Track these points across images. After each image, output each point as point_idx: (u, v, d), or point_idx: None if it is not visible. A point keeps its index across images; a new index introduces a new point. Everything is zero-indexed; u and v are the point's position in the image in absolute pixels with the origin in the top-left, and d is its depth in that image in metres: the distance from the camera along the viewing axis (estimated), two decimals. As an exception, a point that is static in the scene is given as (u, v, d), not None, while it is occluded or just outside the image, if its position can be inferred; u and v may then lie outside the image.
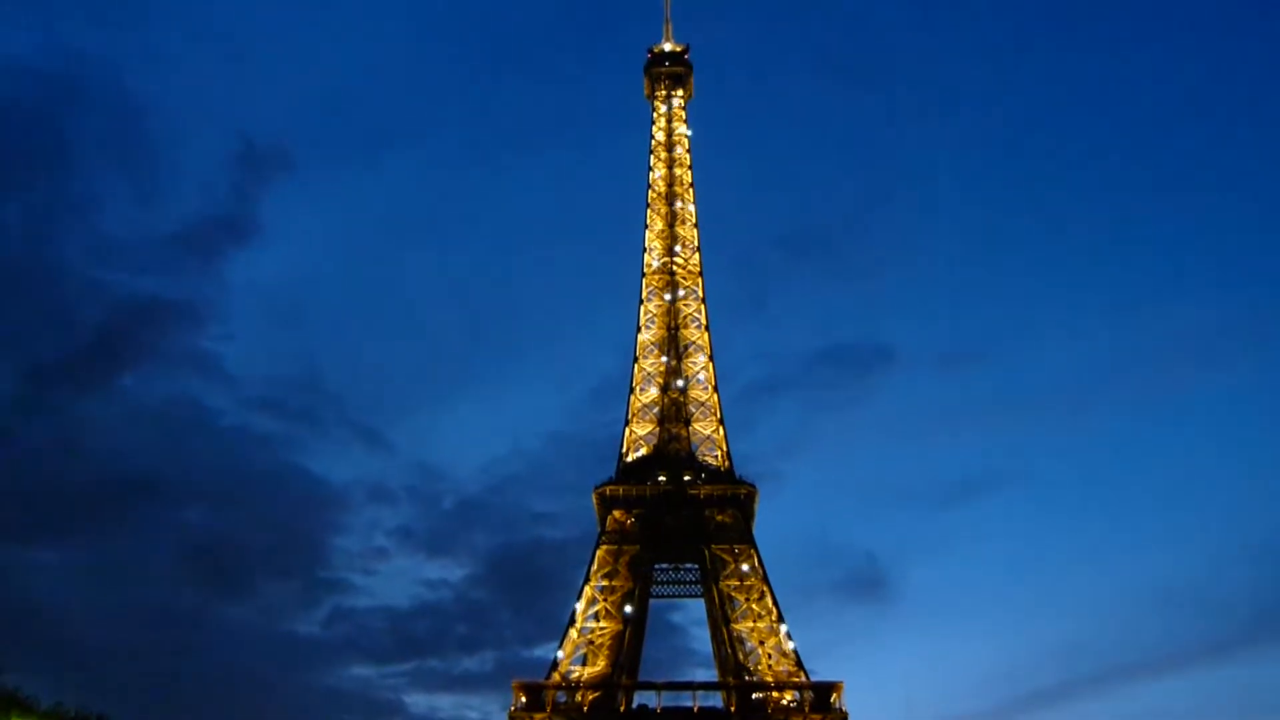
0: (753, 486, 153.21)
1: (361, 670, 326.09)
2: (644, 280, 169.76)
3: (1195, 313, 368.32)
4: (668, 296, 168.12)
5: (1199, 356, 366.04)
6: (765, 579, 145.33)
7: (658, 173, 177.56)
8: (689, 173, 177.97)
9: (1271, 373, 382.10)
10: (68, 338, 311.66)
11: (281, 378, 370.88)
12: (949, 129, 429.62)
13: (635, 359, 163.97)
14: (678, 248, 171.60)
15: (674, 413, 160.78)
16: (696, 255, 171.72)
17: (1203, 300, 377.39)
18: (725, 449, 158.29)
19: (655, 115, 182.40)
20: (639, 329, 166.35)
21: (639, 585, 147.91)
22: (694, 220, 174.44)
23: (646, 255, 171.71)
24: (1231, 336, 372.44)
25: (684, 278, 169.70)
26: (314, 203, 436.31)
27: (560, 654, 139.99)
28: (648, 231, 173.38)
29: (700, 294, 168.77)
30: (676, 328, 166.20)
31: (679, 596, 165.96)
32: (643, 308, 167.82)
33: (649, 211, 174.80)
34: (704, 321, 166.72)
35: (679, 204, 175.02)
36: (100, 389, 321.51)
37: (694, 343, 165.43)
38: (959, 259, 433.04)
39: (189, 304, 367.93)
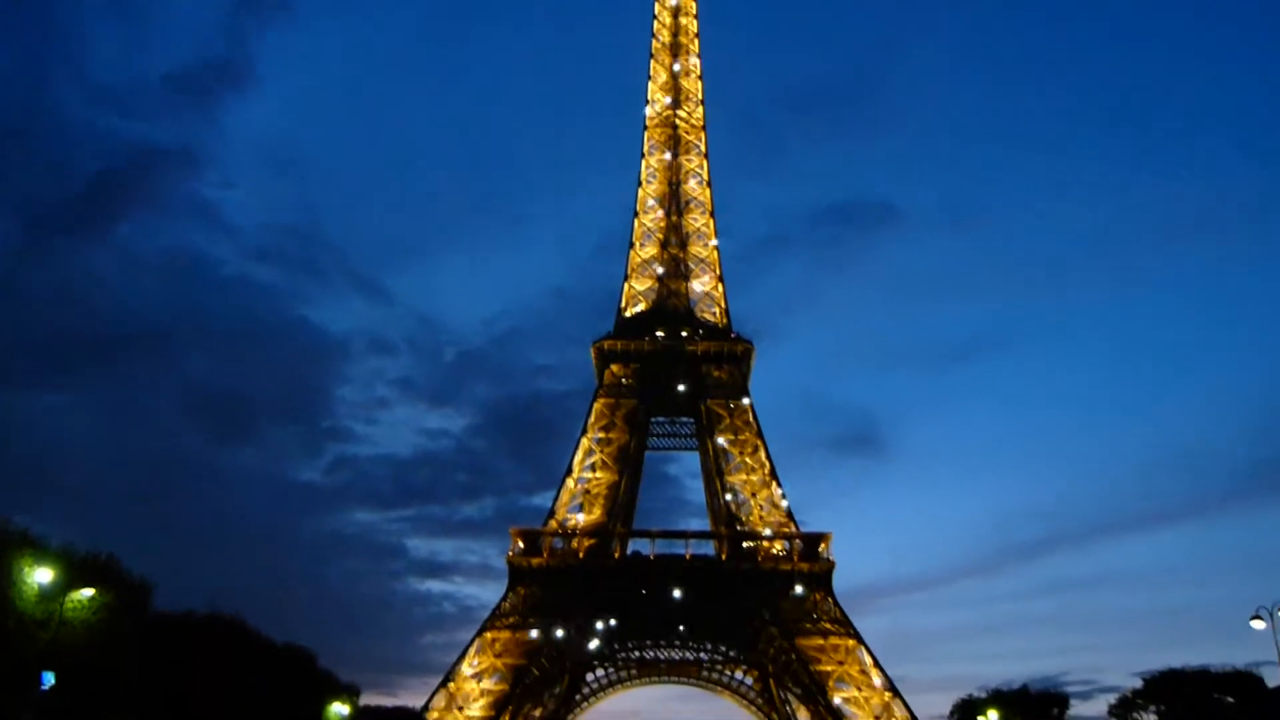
0: (749, 343, 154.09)
1: (364, 516, 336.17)
2: (646, 134, 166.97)
3: (1195, 181, 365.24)
4: (670, 151, 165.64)
5: (1193, 224, 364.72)
6: (759, 433, 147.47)
7: (662, 21, 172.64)
8: (694, 22, 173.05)
9: (1266, 240, 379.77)
10: (64, 185, 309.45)
11: (282, 226, 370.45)
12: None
13: (636, 214, 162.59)
14: (681, 100, 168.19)
15: (673, 269, 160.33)
16: (700, 109, 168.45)
17: (1204, 170, 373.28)
18: (724, 305, 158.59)
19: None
20: (640, 184, 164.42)
21: (635, 437, 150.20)
22: (698, 72, 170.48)
23: (649, 108, 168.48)
24: (1227, 206, 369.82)
25: (687, 132, 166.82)
26: (312, 47, 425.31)
27: (557, 502, 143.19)
28: (651, 83, 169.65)
29: (703, 148, 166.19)
30: (678, 183, 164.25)
31: (675, 449, 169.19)
32: (644, 162, 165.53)
33: (652, 62, 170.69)
34: (706, 177, 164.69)
35: (683, 55, 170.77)
36: (99, 238, 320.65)
37: (695, 198, 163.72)
38: (968, 120, 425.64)
39: (185, 150, 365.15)
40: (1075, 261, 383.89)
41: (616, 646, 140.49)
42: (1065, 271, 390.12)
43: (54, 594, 38.12)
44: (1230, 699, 48.94)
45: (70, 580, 38.84)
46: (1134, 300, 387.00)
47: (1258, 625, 44.58)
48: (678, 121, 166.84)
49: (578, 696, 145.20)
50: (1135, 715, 51.76)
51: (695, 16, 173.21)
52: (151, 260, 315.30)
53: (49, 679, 37.96)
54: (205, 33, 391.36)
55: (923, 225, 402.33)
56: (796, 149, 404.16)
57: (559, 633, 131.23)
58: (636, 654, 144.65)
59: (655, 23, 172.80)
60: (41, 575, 37.39)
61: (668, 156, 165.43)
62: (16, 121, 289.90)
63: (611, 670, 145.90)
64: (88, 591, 39.91)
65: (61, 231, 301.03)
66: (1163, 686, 51.23)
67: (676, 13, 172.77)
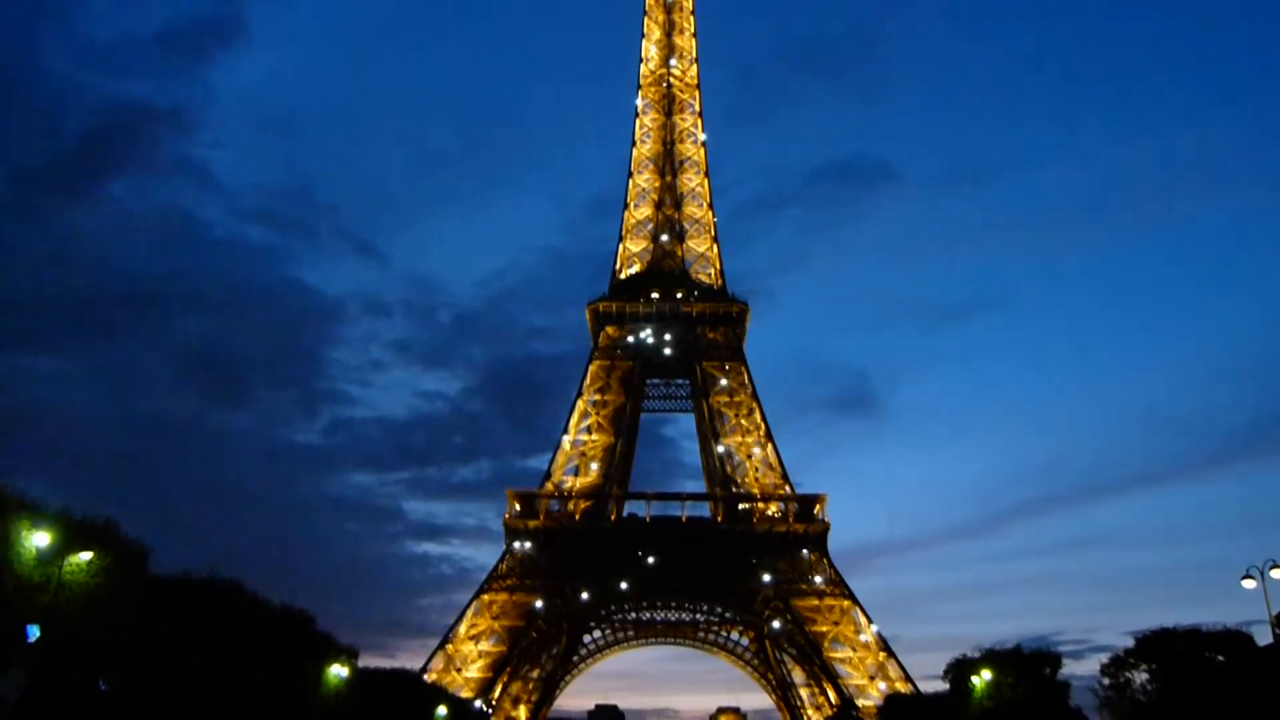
0: (744, 304, 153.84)
1: (361, 478, 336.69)
2: (640, 92, 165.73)
3: (1190, 138, 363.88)
4: (664, 110, 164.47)
5: (1190, 182, 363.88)
6: (754, 395, 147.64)
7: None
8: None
9: (1262, 199, 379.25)
10: (53, 144, 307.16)
11: (273, 187, 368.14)
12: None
13: (630, 174, 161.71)
14: (674, 58, 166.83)
15: (668, 229, 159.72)
16: (694, 67, 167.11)
17: (1199, 127, 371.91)
18: (719, 267, 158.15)
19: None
20: (634, 143, 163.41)
21: (630, 399, 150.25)
22: (692, 30, 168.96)
23: (643, 65, 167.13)
24: (1223, 163, 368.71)
25: (680, 90, 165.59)
26: (305, 4, 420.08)
27: (553, 464, 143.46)
28: (644, 40, 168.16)
29: (697, 107, 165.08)
30: (672, 143, 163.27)
31: (670, 411, 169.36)
32: (638, 121, 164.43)
33: (646, 19, 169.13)
34: (700, 136, 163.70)
35: (677, 11, 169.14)
36: (90, 197, 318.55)
37: (690, 158, 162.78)
38: (962, 80, 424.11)
39: (175, 109, 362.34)
40: (1069, 221, 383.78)
41: (613, 608, 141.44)
42: (1059, 231, 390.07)
43: (52, 557, 38.06)
44: (1220, 658, 49.29)
45: (68, 543, 38.77)
46: (1128, 260, 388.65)
47: (1248, 584, 44.82)
48: (671, 80, 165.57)
49: (575, 658, 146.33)
50: (1126, 674, 52.14)
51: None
52: (142, 221, 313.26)
53: (34, 632, 37.98)
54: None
55: (918, 185, 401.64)
56: (792, 107, 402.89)
57: (554, 597, 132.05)
58: (633, 615, 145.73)
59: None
60: (39, 539, 37.34)
61: (662, 116, 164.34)
62: (5, 79, 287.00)
63: (608, 631, 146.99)
64: (86, 555, 39.87)
65: (51, 191, 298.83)
66: (1154, 645, 51.56)
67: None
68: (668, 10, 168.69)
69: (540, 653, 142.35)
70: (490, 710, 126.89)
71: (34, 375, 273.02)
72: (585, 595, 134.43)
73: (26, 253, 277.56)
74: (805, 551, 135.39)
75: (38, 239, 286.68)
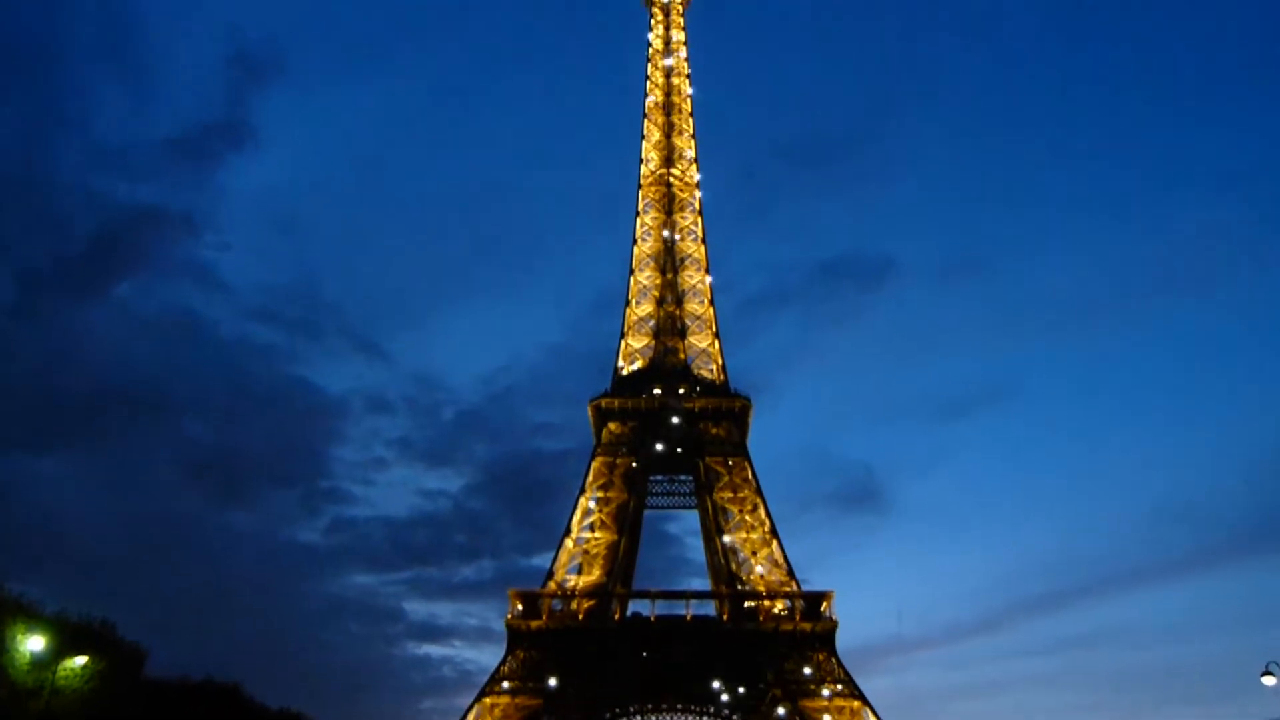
0: (747, 399, 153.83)
1: (362, 578, 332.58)
2: (640, 192, 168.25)
3: (1194, 232, 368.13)
4: (664, 209, 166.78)
5: (1196, 275, 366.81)
6: (759, 490, 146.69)
7: (655, 81, 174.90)
8: (686, 82, 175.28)
9: (1266, 290, 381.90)
10: (63, 246, 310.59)
11: (279, 287, 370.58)
12: (953, 41, 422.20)
13: (631, 272, 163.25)
14: (675, 159, 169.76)
15: (669, 326, 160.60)
16: (694, 167, 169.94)
17: (1203, 220, 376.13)
18: (720, 362, 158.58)
19: (653, 22, 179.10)
20: (635, 241, 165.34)
21: (634, 496, 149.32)
22: (691, 131, 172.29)
23: (643, 167, 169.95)
24: (1229, 256, 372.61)
25: (681, 190, 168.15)
26: (311, 110, 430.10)
27: (556, 563, 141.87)
28: (644, 142, 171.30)
29: (697, 206, 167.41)
30: (673, 240, 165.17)
31: (674, 508, 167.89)
32: (639, 220, 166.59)
33: (646, 122, 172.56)
34: (700, 235, 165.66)
35: (676, 114, 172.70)
36: (97, 298, 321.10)
37: (690, 256, 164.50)
38: (962, 172, 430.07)
39: (184, 212, 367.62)
40: (1074, 312, 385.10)
41: (617, 710, 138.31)
42: (1065, 322, 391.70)
43: (46, 662, 37.42)
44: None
45: (63, 648, 38.15)
46: (1135, 352, 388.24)
47: (1269, 681, 43.83)
48: (671, 180, 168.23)
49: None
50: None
51: (687, 77, 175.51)
52: (149, 321, 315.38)
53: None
54: (206, 95, 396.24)
55: (920, 279, 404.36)
56: (792, 204, 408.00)
57: (556, 699, 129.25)
58: (638, 717, 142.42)
59: (648, 83, 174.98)
60: (34, 643, 36.74)
61: (662, 215, 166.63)
62: (17, 182, 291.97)
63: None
64: (80, 659, 39.20)
65: (59, 292, 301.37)
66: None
67: (669, 73, 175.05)
68: (667, 113, 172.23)
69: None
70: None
71: (36, 477, 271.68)
72: (588, 697, 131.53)
73: (32, 354, 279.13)
74: (813, 650, 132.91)
75: (44, 340, 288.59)
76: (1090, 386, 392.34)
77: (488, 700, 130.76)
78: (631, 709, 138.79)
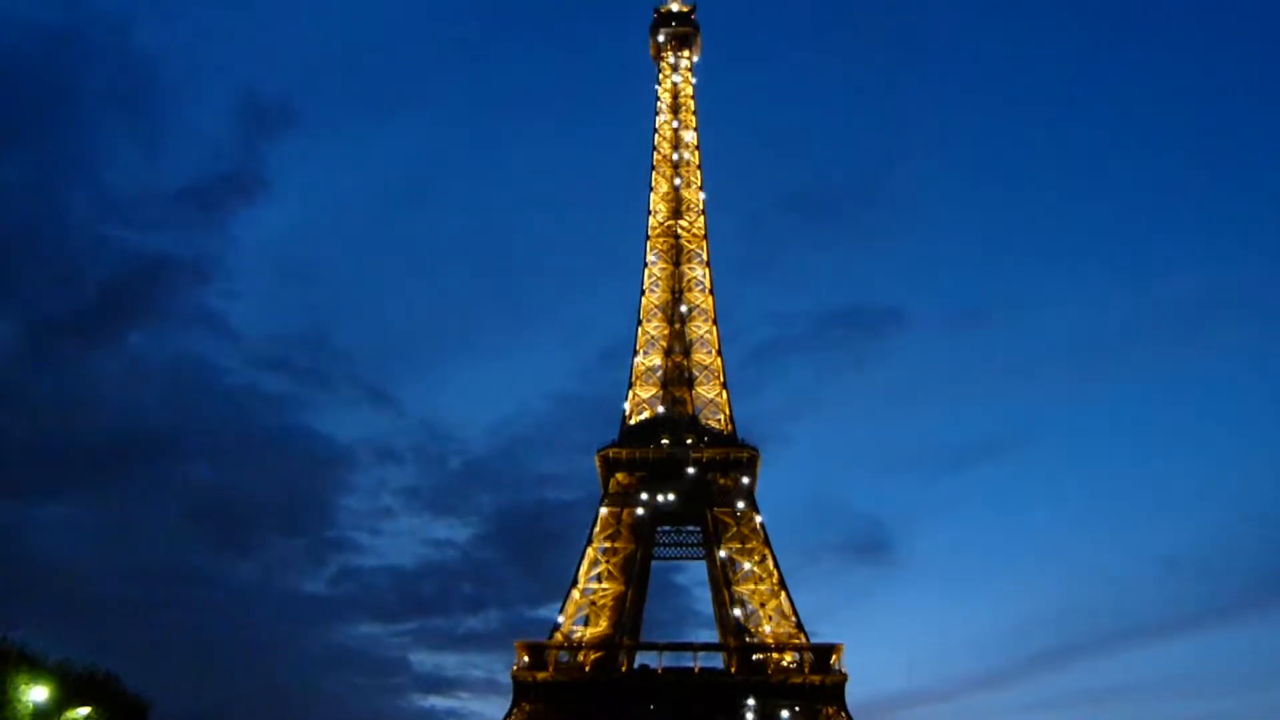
0: (755, 450, 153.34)
1: (368, 629, 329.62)
2: (648, 243, 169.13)
3: (1202, 281, 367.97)
4: (672, 260, 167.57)
5: (1203, 325, 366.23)
6: (766, 541, 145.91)
7: (663, 134, 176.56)
8: (694, 134, 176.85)
9: (1275, 343, 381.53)
10: (74, 295, 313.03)
11: (288, 336, 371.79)
12: (961, 93, 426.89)
13: (639, 322, 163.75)
14: (683, 211, 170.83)
15: (677, 376, 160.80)
16: (701, 218, 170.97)
17: (1210, 270, 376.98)
18: (728, 412, 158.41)
19: (661, 76, 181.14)
20: (643, 292, 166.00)
21: (641, 547, 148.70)
22: (699, 183, 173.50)
23: (651, 218, 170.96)
24: (1236, 306, 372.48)
25: (689, 241, 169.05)
26: (321, 160, 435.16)
27: (562, 614, 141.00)
28: (652, 194, 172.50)
29: (705, 257, 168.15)
30: (680, 291, 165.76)
31: (682, 558, 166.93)
32: (647, 271, 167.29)
33: (654, 173, 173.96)
34: (708, 285, 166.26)
35: (684, 166, 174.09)
36: (107, 346, 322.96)
37: (698, 306, 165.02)
38: (969, 223, 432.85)
39: (195, 261, 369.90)
40: (1084, 361, 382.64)
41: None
42: (1074, 372, 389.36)
43: (49, 712, 37.29)
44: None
45: (66, 698, 38.03)
46: (1146, 401, 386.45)
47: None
48: (680, 231, 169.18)
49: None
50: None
51: (695, 130, 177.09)
52: (158, 369, 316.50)
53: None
54: (218, 145, 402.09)
55: (927, 329, 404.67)
56: (800, 254, 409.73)
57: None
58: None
59: (656, 135, 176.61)
60: (37, 694, 36.63)
61: (670, 265, 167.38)
62: (30, 230, 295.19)
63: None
64: (83, 710, 39.06)
65: (69, 339, 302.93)
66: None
67: (676, 125, 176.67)
68: (675, 166, 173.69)
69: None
70: None
71: (42, 524, 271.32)
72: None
73: (41, 401, 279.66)
74: (823, 704, 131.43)
75: (53, 387, 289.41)
76: (1099, 437, 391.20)
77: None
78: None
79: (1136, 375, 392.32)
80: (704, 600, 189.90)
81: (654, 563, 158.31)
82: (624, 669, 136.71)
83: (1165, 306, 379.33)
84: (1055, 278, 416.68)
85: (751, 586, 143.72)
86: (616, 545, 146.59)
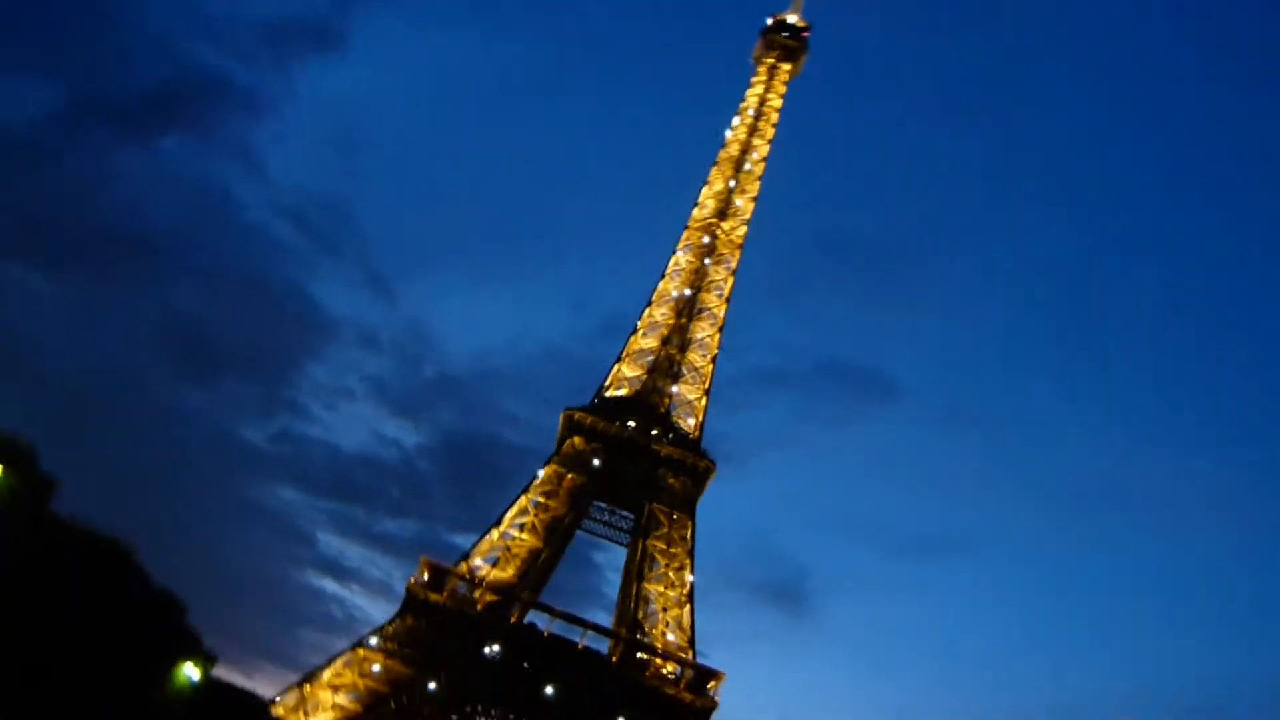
0: (712, 463, 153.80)
1: (290, 494, 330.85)
2: (685, 232, 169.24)
3: (1195, 462, 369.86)
4: (701, 257, 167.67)
5: (1195, 498, 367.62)
6: (691, 553, 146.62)
7: (736, 134, 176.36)
8: (766, 146, 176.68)
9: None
10: (125, 83, 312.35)
11: (316, 195, 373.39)
12: (1029, 202, 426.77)
13: (649, 303, 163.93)
14: (729, 214, 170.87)
15: (665, 367, 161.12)
16: (743, 228, 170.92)
17: (1205, 450, 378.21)
18: (700, 419, 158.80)
19: (754, 80, 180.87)
20: (663, 275, 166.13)
21: (572, 514, 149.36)
22: (753, 194, 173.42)
23: (696, 209, 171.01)
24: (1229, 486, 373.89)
25: (723, 245, 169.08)
26: (407, 38, 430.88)
27: (475, 550, 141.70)
28: (705, 187, 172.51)
29: (733, 265, 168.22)
30: (698, 289, 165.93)
31: (606, 539, 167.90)
32: (674, 258, 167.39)
33: (714, 168, 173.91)
34: (726, 293, 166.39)
35: (745, 173, 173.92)
36: (140, 143, 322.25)
37: (709, 309, 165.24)
38: (992, 327, 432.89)
39: (252, 93, 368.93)
40: (1061, 496, 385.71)
41: (479, 708, 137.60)
42: (1041, 502, 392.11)
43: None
44: None
45: (-19, 451, 38.46)
46: (1096, 559, 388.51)
47: None
48: (718, 232, 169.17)
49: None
50: None
51: (769, 142, 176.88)
52: (181, 181, 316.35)
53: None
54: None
55: (917, 412, 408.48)
56: (822, 296, 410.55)
57: (431, 685, 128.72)
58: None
59: (729, 133, 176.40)
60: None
61: (697, 260, 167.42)
62: (108, 11, 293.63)
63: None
64: (-6, 469, 39.45)
65: (105, 124, 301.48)
66: None
67: (753, 131, 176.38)
68: (737, 169, 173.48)
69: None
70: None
71: (23, 290, 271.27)
72: (453, 685, 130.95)
73: (60, 174, 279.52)
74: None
75: (75, 165, 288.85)
76: (1042, 568, 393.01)
77: (361, 652, 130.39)
78: (492, 712, 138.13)
79: (1102, 534, 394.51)
80: (612, 585, 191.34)
81: (579, 533, 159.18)
82: (514, 620, 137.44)
83: (1158, 466, 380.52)
84: (1061, 407, 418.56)
85: (661, 589, 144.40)
86: (550, 504, 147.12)
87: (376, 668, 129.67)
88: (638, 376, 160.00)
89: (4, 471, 40.19)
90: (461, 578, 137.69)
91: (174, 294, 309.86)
